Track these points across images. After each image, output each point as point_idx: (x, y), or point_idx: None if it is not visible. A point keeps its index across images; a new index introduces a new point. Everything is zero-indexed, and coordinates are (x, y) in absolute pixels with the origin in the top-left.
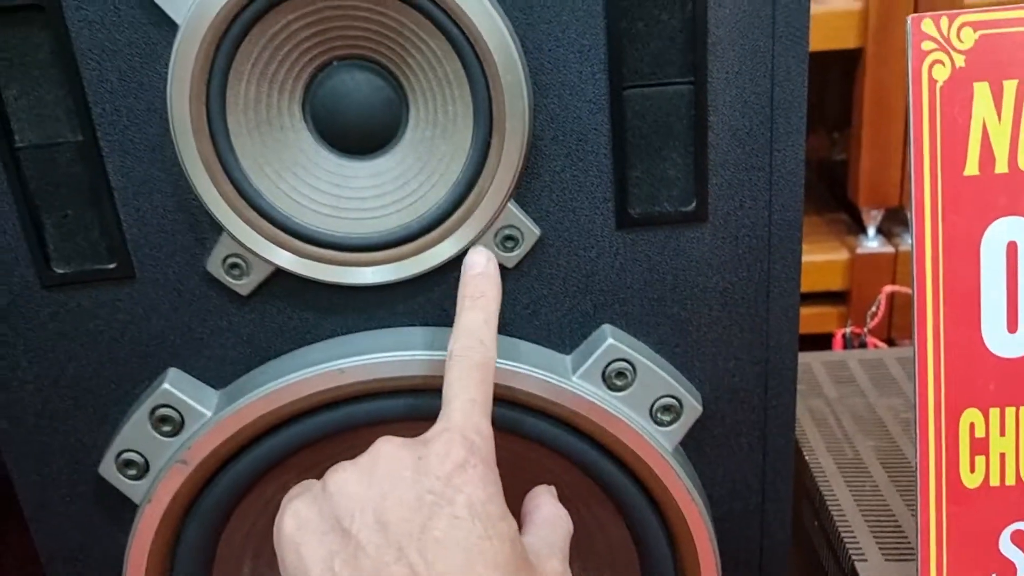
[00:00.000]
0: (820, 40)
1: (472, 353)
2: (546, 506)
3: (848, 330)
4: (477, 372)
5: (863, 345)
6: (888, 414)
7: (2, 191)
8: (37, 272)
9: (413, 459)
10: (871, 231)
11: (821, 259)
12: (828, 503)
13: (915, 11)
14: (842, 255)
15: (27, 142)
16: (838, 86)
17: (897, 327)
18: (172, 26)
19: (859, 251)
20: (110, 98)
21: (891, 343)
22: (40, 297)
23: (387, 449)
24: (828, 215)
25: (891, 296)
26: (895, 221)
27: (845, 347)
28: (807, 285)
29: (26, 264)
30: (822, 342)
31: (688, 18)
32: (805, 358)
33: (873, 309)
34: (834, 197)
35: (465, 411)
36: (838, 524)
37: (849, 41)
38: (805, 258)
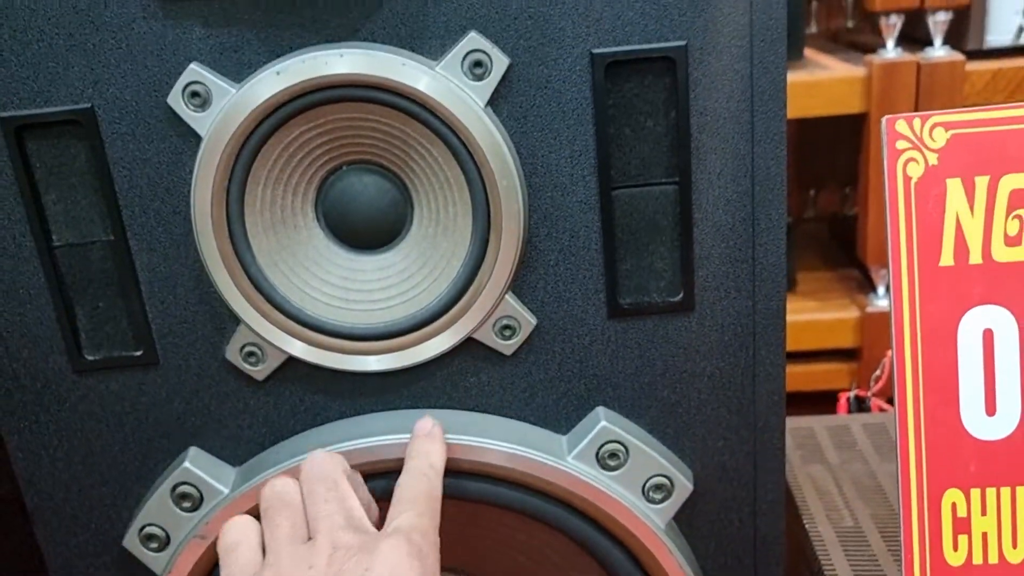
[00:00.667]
0: (826, 105)
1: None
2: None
3: (852, 393)
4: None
5: (868, 409)
6: (889, 481)
7: (40, 286)
8: (69, 358)
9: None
10: (881, 290)
11: (831, 317)
12: (826, 573)
13: (916, 79)
14: (852, 313)
15: (64, 241)
16: (848, 142)
17: None
18: (196, 138)
19: (869, 309)
20: (139, 202)
21: None
22: (71, 381)
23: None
24: (839, 271)
25: None
26: None
27: (849, 410)
28: (817, 342)
29: (59, 351)
30: (832, 400)
31: (672, 124)
32: (808, 422)
33: (878, 372)
34: (845, 253)
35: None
36: None
37: (854, 106)
38: (815, 315)
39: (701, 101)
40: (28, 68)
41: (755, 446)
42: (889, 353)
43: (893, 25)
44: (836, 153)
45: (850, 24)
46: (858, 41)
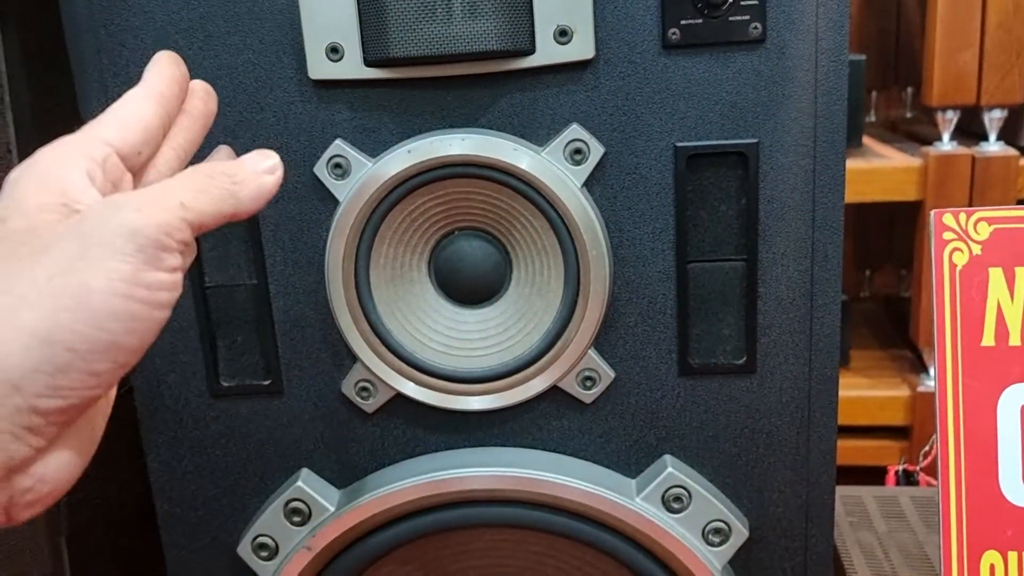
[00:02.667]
0: (884, 192)
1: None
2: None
3: (901, 467)
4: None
5: (915, 483)
6: (935, 552)
7: (190, 319)
8: (208, 384)
9: None
10: (932, 370)
11: (883, 394)
12: None
13: (971, 172)
14: (903, 391)
15: (214, 282)
16: (904, 227)
17: None
18: (334, 202)
19: (920, 389)
20: (280, 253)
21: None
22: (208, 404)
23: None
24: (893, 351)
25: None
26: None
27: (898, 483)
28: (868, 418)
29: (201, 378)
30: (881, 475)
31: (743, 209)
32: (858, 491)
33: (927, 448)
34: (899, 334)
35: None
36: None
37: (910, 194)
38: (867, 392)
39: (769, 190)
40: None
41: (807, 500)
42: None
43: (950, 120)
44: (893, 236)
45: (908, 115)
46: (915, 132)
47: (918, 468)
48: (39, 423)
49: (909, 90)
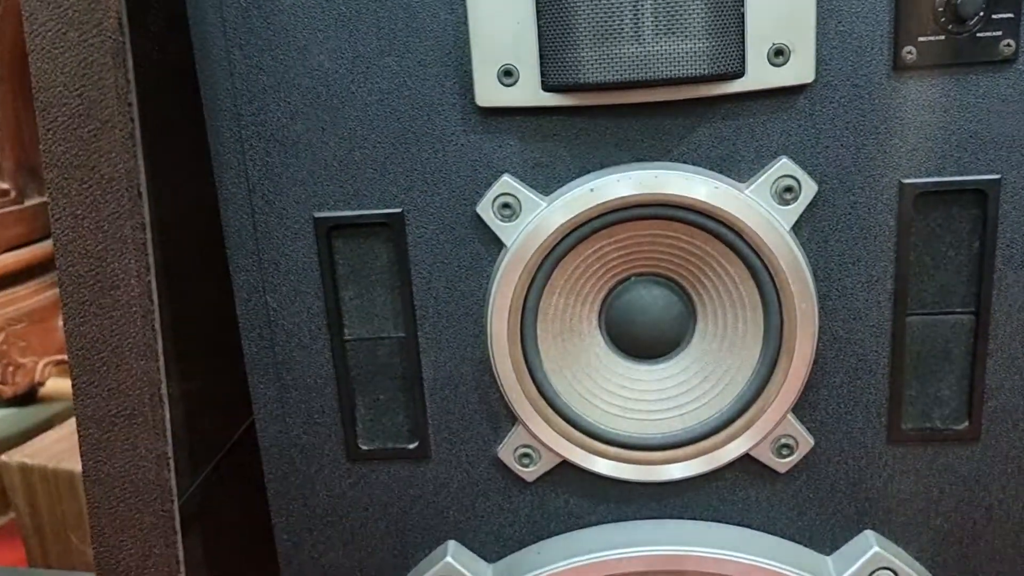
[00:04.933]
0: None
1: None
2: None
3: None
4: None
5: None
6: None
7: (327, 376)
8: (345, 446)
9: None
10: None
11: None
12: None
13: None
14: None
15: (355, 335)
16: None
17: None
18: (499, 246)
19: None
20: (434, 303)
21: None
22: (344, 468)
23: None
24: None
25: None
26: None
27: None
28: None
29: (337, 439)
30: None
31: (975, 255)
32: None
33: None
34: None
35: None
36: None
37: None
38: None
39: (1009, 234)
40: (348, 172)
41: None
42: None
43: None
44: None
45: None
46: None
47: None
48: None
49: None
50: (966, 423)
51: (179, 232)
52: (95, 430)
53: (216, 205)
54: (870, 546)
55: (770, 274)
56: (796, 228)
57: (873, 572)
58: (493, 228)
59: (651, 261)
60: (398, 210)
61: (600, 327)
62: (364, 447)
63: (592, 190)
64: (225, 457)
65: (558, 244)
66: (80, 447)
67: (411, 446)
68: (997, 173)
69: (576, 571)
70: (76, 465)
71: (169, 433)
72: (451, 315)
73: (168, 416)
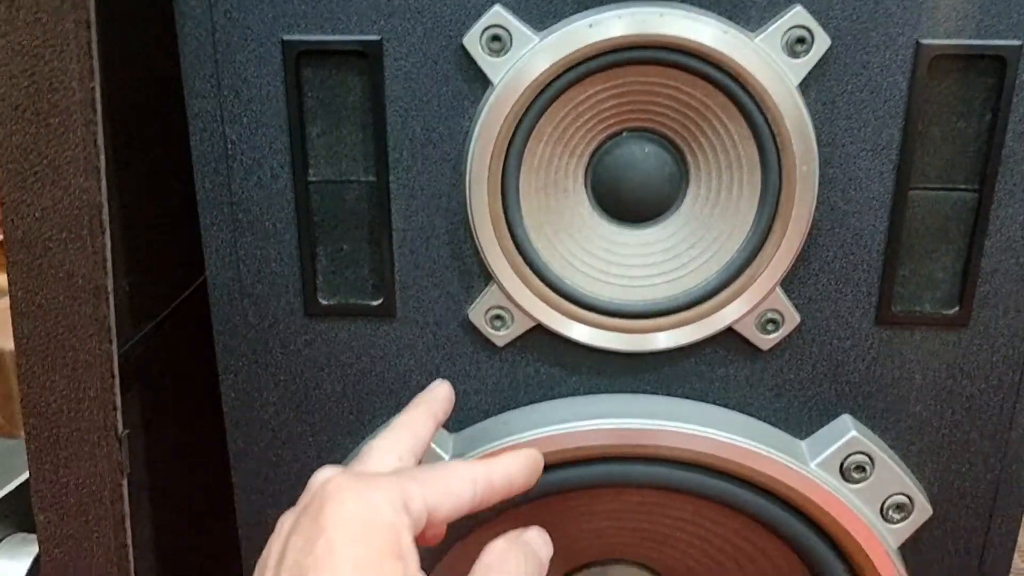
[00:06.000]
0: None
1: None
2: (488, 552)
3: None
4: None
5: None
6: None
7: (287, 220)
8: (303, 300)
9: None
10: None
11: None
12: None
13: None
14: None
15: (320, 177)
16: None
17: None
18: (485, 84)
19: None
20: (409, 145)
21: None
22: (300, 324)
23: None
24: None
25: None
26: None
27: None
28: None
29: (294, 292)
30: None
31: (986, 128)
32: None
33: None
34: None
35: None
36: None
37: None
38: None
39: (1023, 106)
40: None
41: (1000, 475)
42: None
43: None
44: None
45: None
46: None
47: None
48: None
49: None
50: (957, 308)
51: (130, 42)
52: (25, 255)
53: (172, 18)
54: (847, 430)
55: (772, 132)
56: (803, 86)
57: (848, 456)
58: (480, 63)
59: (646, 114)
60: (376, 37)
61: (587, 184)
62: (324, 302)
63: (591, 26)
64: (174, 311)
65: (550, 84)
66: (8, 273)
67: (375, 303)
68: (1019, 39)
69: (541, 441)
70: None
71: (110, 264)
72: (427, 159)
73: (109, 246)
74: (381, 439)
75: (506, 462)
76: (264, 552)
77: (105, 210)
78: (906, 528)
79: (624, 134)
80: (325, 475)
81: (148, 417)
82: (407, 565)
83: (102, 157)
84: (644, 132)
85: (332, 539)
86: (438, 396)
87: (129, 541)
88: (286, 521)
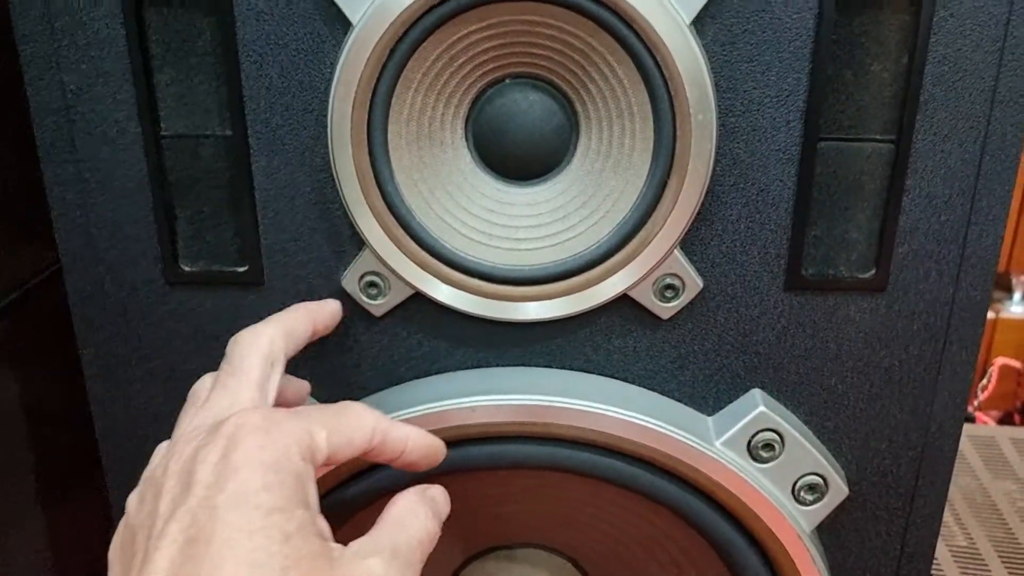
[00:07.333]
0: None
1: None
2: (395, 506)
3: None
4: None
5: (972, 420)
6: (1003, 500)
7: (140, 179)
8: (163, 267)
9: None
10: (1016, 296)
11: None
12: None
13: None
14: None
15: (173, 131)
16: None
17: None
18: (345, 24)
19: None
20: (266, 94)
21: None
22: (162, 293)
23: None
24: None
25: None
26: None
27: None
28: None
29: (153, 258)
30: None
31: (902, 72)
32: None
33: (984, 382)
34: None
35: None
36: None
37: None
38: None
39: (942, 48)
40: None
41: (923, 452)
42: (996, 362)
43: None
44: None
45: None
46: None
47: (976, 403)
48: None
49: None
50: (873, 271)
51: None
52: None
53: None
54: (756, 405)
55: (664, 77)
56: (698, 25)
57: (756, 434)
58: (337, 2)
59: (529, 58)
60: None
61: (466, 137)
62: (186, 268)
63: None
64: (34, 290)
65: (415, 23)
66: None
67: (240, 269)
68: None
69: (422, 419)
70: None
71: None
72: (287, 109)
73: None
74: (253, 331)
75: (407, 429)
76: (155, 464)
77: None
78: (820, 510)
79: (507, 81)
80: (223, 403)
81: (19, 395)
82: (313, 514)
83: None
84: (528, 79)
85: (246, 481)
86: (324, 304)
87: None
88: (187, 438)
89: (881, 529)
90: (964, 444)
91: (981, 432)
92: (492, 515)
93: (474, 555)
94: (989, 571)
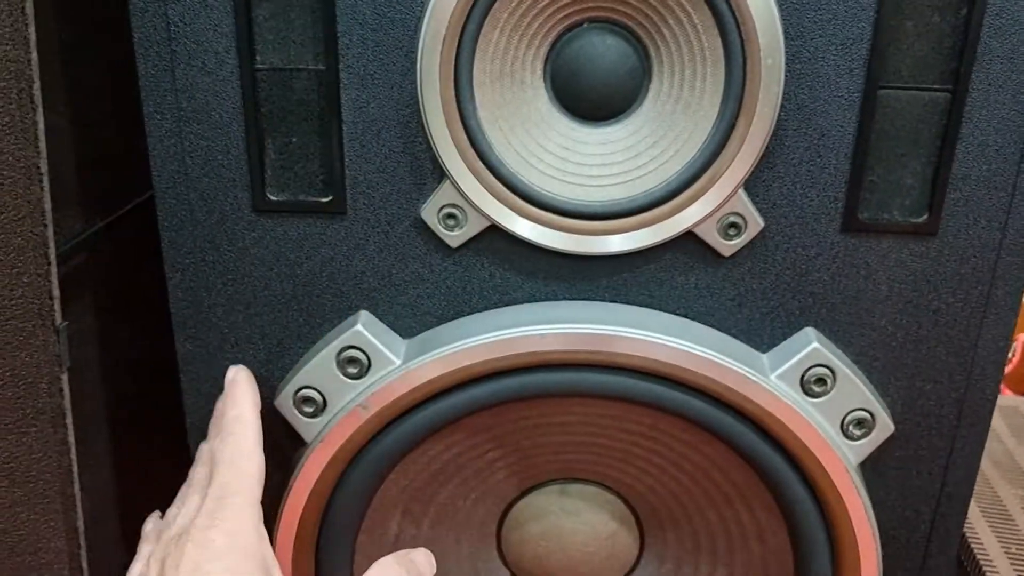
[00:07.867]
0: None
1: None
2: (377, 566)
3: None
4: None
5: None
6: None
7: (233, 109)
8: (251, 196)
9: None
10: None
11: None
12: (974, 548)
13: None
14: None
15: (267, 64)
16: None
17: None
18: None
19: None
20: (359, 31)
21: None
22: (249, 221)
23: None
24: None
25: None
26: None
27: None
28: None
29: (242, 186)
30: None
31: (961, 23)
32: None
33: (1009, 354)
34: None
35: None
36: (985, 570)
37: None
38: None
39: (1000, 1)
40: None
41: (966, 393)
42: (1020, 338)
43: None
44: None
45: None
46: None
47: None
48: None
49: None
50: (925, 215)
51: None
52: None
53: None
54: (809, 342)
55: (737, 22)
56: None
57: (808, 369)
58: None
59: (607, 3)
60: None
61: (544, 78)
62: (273, 197)
63: None
64: (130, 213)
65: None
66: None
67: (325, 199)
68: None
69: (494, 346)
70: None
71: (43, 143)
72: (379, 45)
73: (42, 125)
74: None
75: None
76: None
77: (36, 87)
78: (867, 445)
79: (585, 24)
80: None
81: (100, 319)
82: None
83: (31, 28)
84: (605, 23)
85: None
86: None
87: (71, 437)
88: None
89: (923, 468)
90: None
91: (1006, 402)
92: (553, 448)
93: (529, 488)
94: (1017, 526)
